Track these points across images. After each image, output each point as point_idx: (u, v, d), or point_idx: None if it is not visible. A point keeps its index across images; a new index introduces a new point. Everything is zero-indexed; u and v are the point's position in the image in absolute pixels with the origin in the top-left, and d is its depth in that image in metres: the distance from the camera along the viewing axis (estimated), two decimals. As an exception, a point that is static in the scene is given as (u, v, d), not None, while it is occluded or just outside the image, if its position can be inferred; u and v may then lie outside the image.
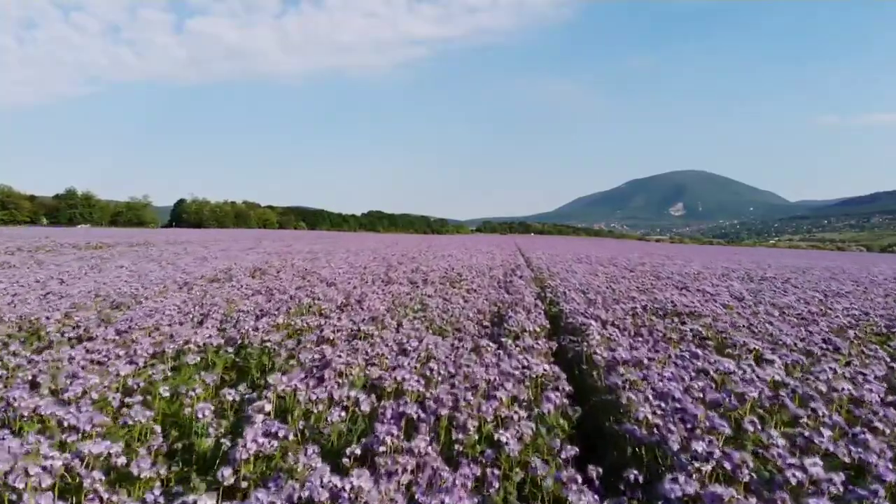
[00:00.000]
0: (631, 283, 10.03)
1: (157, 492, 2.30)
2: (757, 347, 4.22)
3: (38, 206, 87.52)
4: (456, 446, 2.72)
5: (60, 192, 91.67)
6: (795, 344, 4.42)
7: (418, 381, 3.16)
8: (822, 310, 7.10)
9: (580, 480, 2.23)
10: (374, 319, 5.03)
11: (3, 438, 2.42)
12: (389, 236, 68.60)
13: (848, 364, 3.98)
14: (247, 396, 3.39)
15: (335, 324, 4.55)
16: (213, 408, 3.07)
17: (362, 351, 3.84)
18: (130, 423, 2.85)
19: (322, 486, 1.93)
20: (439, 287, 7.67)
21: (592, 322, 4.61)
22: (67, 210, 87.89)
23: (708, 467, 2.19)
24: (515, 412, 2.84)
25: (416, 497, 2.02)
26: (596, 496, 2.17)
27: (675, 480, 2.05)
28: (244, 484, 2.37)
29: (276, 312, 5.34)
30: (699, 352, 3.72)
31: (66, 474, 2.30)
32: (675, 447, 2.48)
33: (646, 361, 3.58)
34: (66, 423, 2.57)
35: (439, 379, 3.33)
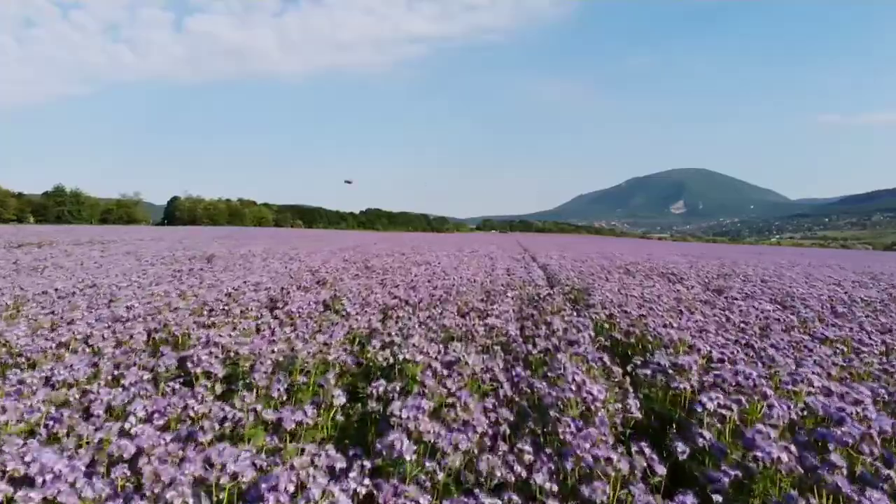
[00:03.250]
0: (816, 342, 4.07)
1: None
2: None
3: (25, 204, 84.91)
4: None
5: (49, 190, 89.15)
6: None
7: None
8: None
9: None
10: None
11: None
12: (376, 235, 62.75)
13: None
14: None
15: None
16: None
17: None
18: None
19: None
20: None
21: None
22: (55, 208, 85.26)
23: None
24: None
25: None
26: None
27: None
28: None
29: None
30: None
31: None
32: None
33: None
34: None
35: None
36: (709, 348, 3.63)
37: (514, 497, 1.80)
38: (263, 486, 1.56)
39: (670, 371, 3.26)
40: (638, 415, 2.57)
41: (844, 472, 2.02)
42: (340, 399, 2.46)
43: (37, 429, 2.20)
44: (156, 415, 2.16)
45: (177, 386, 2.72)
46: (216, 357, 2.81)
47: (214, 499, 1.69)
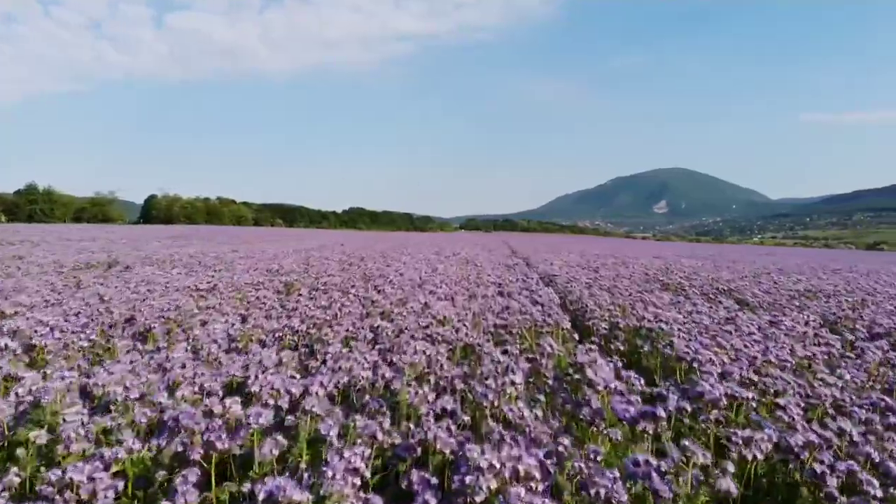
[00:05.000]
0: None
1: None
2: None
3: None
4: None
5: (21, 188, 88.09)
6: None
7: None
8: None
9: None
10: None
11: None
12: (353, 234, 59.15)
13: None
14: None
15: None
16: None
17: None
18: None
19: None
20: None
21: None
22: (27, 206, 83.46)
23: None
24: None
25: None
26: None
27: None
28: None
29: None
30: None
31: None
32: None
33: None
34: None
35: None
36: None
37: None
38: None
39: None
40: None
41: None
42: None
43: None
44: None
45: None
46: None
47: None
